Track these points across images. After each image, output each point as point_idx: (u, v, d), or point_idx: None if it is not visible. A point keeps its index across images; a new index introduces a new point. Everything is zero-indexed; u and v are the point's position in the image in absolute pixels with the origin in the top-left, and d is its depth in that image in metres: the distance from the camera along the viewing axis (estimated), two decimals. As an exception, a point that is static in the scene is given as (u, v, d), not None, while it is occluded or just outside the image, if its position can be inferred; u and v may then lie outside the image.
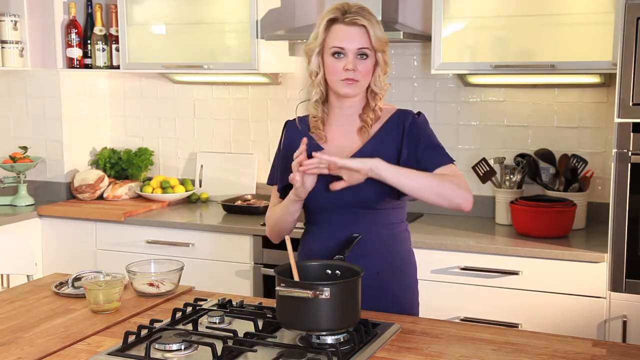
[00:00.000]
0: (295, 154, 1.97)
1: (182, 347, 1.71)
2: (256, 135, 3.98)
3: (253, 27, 3.50)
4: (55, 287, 2.26)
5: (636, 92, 2.70)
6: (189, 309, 1.99)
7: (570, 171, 3.26)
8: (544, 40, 3.10)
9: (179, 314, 1.95)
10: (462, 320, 2.96)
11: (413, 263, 2.21)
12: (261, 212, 3.43)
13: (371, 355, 1.72)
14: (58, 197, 3.99)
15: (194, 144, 4.14)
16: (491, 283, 2.96)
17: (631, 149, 2.72)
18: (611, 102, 3.18)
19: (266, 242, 3.28)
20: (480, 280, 2.98)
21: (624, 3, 2.70)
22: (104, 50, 3.94)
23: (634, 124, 2.72)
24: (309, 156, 1.99)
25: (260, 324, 1.85)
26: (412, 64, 3.63)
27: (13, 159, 3.85)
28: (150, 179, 4.04)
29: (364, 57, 2.05)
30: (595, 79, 3.24)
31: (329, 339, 1.74)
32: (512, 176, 3.35)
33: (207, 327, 1.87)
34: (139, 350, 1.72)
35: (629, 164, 2.73)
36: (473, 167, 3.32)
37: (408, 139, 2.08)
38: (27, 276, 2.88)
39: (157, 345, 1.72)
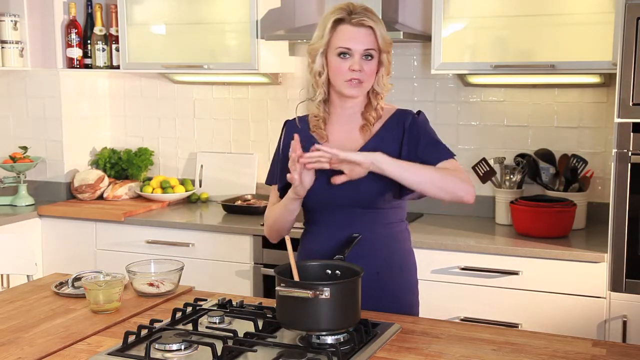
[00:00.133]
0: (290, 153, 1.97)
1: (182, 347, 1.71)
2: (256, 135, 3.98)
3: (253, 27, 3.50)
4: (55, 287, 2.26)
5: (636, 92, 2.70)
6: (189, 309, 1.99)
7: (570, 171, 3.26)
8: (544, 40, 3.10)
9: (179, 314, 1.95)
10: (462, 320, 2.96)
11: (413, 263, 2.21)
12: (261, 212, 3.43)
13: (371, 355, 1.72)
14: (58, 197, 3.99)
15: (194, 144, 4.14)
16: (491, 283, 2.96)
17: (631, 149, 2.72)
18: (611, 102, 3.18)
19: (266, 242, 3.28)
20: (480, 280, 2.98)
21: (624, 3, 2.70)
22: (104, 50, 3.94)
23: (634, 124, 2.72)
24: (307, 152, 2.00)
25: (260, 324, 1.85)
26: (412, 64, 3.63)
27: (13, 159, 3.85)
28: (150, 179, 4.04)
29: (370, 57, 2.05)
30: (595, 79, 3.24)
31: (329, 339, 1.74)
32: (512, 176, 3.35)
33: (207, 327, 1.87)
34: (139, 350, 1.72)
35: (629, 164, 2.73)
36: (473, 167, 3.32)
37: (408, 137, 2.08)
38: (27, 276, 2.88)
39: (157, 345, 1.72)
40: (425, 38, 3.42)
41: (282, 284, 1.73)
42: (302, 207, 2.16)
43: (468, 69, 3.26)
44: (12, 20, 3.87)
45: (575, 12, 3.07)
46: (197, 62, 3.67)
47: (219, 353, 1.66)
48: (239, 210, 3.63)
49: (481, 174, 3.30)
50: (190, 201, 3.97)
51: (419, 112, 2.15)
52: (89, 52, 3.99)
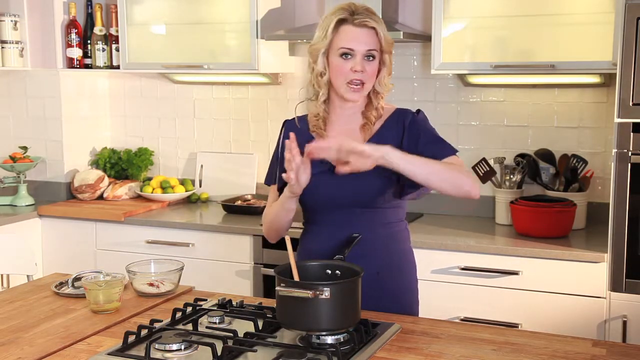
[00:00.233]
0: (285, 152, 1.96)
1: (182, 347, 1.71)
2: (256, 135, 3.98)
3: (253, 27, 3.50)
4: (55, 287, 2.26)
5: (636, 92, 2.70)
6: (189, 309, 1.99)
7: (570, 171, 3.26)
8: (544, 40, 3.10)
9: (179, 314, 1.95)
10: (462, 320, 2.96)
11: (412, 262, 2.21)
12: (261, 212, 3.40)
13: (371, 355, 1.72)
14: (58, 197, 3.99)
15: (194, 144, 4.14)
16: (491, 283, 2.96)
17: (631, 149, 2.72)
18: (611, 102, 3.18)
19: (266, 242, 3.28)
20: (480, 280, 2.98)
21: (624, 3, 2.70)
22: (104, 50, 3.95)
23: (634, 124, 2.72)
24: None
25: (260, 324, 1.85)
26: (412, 64, 3.63)
27: (13, 159, 3.85)
28: (150, 179, 4.04)
29: (371, 58, 2.05)
30: (595, 79, 3.24)
31: (329, 339, 1.74)
32: (512, 176, 3.35)
33: (207, 327, 1.87)
34: (139, 350, 1.72)
35: (629, 164, 2.73)
36: (473, 167, 3.32)
37: (409, 136, 2.08)
38: (27, 276, 2.88)
39: (157, 345, 1.72)
40: (425, 38, 3.42)
41: (282, 284, 1.73)
42: (301, 207, 2.16)
43: (468, 69, 3.26)
44: (12, 20, 3.87)
45: (575, 12, 3.07)
46: (197, 62, 3.67)
47: (219, 353, 1.66)
48: (239, 210, 3.64)
49: (481, 174, 3.30)
50: (190, 201, 3.97)
51: (419, 110, 2.15)
52: (89, 52, 3.99)
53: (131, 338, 1.78)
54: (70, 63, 3.98)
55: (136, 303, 2.13)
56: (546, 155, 3.35)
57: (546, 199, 3.18)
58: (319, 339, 1.74)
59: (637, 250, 2.75)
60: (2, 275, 3.35)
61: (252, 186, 3.94)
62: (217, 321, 1.89)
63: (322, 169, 2.08)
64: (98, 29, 3.94)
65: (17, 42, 3.90)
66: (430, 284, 3.00)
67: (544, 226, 3.05)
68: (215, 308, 2.00)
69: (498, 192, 3.37)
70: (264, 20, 3.52)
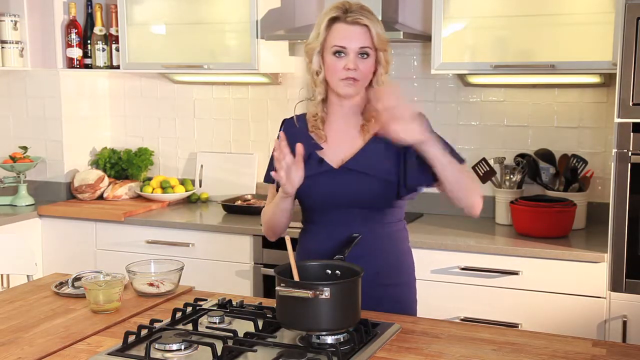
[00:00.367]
0: (274, 152, 1.95)
1: (182, 347, 1.71)
2: (256, 135, 3.98)
3: (253, 27, 3.50)
4: (55, 287, 2.26)
5: (636, 92, 2.70)
6: (189, 309, 1.99)
7: (570, 171, 3.26)
8: (544, 40, 3.10)
9: (179, 314, 1.95)
10: (462, 320, 2.96)
11: (411, 262, 2.21)
12: (261, 212, 3.43)
13: (371, 355, 1.72)
14: (58, 197, 3.99)
15: (194, 144, 4.14)
16: (491, 283, 2.96)
17: (631, 149, 2.72)
18: (611, 102, 3.18)
19: (266, 242, 3.28)
20: (480, 280, 2.98)
21: (624, 3, 2.70)
22: (104, 50, 3.95)
23: (634, 124, 2.72)
24: (306, 158, 2.00)
25: (260, 324, 1.85)
26: (412, 64, 3.63)
27: (13, 159, 3.85)
28: (150, 179, 4.04)
29: (365, 56, 2.04)
30: (595, 79, 3.24)
31: (329, 339, 1.74)
32: (512, 176, 3.35)
33: (207, 327, 1.87)
34: (139, 350, 1.72)
35: (629, 164, 2.73)
36: (473, 167, 3.31)
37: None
38: (27, 276, 2.88)
39: (157, 345, 1.72)
40: (425, 38, 3.42)
41: (282, 284, 1.73)
42: (300, 206, 2.16)
43: (468, 69, 3.26)
44: (12, 20, 3.87)
45: (575, 12, 3.07)
46: (197, 62, 3.67)
47: (219, 353, 1.66)
48: (239, 210, 3.63)
49: (481, 174, 3.30)
50: (190, 201, 3.97)
51: (421, 114, 2.12)
52: (89, 52, 3.99)
53: (131, 338, 1.78)
54: (70, 63, 3.98)
55: (136, 303, 2.13)
56: (546, 155, 3.35)
57: (546, 199, 3.18)
58: (319, 339, 1.74)
59: (637, 250, 2.75)
60: (2, 275, 3.35)
61: (252, 186, 3.94)
62: (217, 321, 1.89)
63: (320, 169, 2.08)
64: (98, 29, 3.94)
65: (17, 42, 3.90)
66: (430, 284, 3.00)
67: (544, 226, 3.05)
68: (215, 308, 2.00)
69: (498, 192, 3.37)
70: (264, 20, 3.52)
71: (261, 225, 2.24)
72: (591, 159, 3.31)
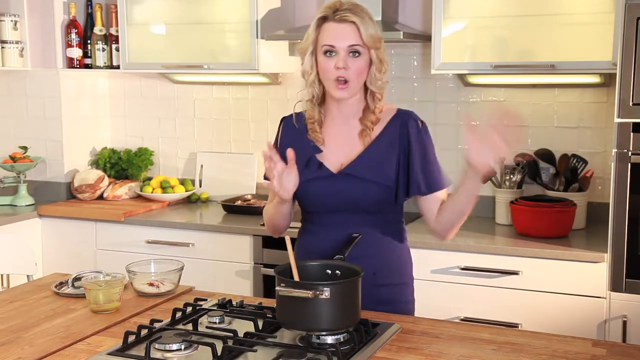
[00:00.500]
0: (265, 162, 1.95)
1: (182, 347, 1.71)
2: (256, 135, 3.98)
3: (253, 27, 3.50)
4: (55, 287, 2.26)
5: (636, 92, 2.70)
6: (189, 309, 1.99)
7: (570, 171, 3.26)
8: (544, 40, 3.10)
9: (179, 314, 1.95)
10: (462, 320, 2.96)
11: (409, 261, 2.20)
12: (261, 212, 3.40)
13: (371, 355, 1.72)
14: (58, 197, 3.99)
15: (194, 144, 4.14)
16: (491, 283, 2.96)
17: (631, 149, 2.72)
18: (611, 102, 3.18)
19: (266, 242, 3.28)
20: (480, 280, 2.98)
21: (624, 3, 2.70)
22: (104, 50, 3.95)
23: (634, 124, 2.72)
24: (306, 162, 2.01)
25: (260, 324, 1.85)
26: (412, 64, 3.63)
27: (13, 159, 3.85)
28: (150, 179, 4.04)
29: (356, 54, 2.00)
30: (595, 79, 3.24)
31: (329, 339, 1.74)
32: (512, 176, 3.35)
33: (207, 327, 1.87)
34: (139, 350, 1.72)
35: (629, 164, 2.73)
36: (473, 167, 3.31)
37: (417, 149, 2.06)
38: (27, 276, 2.88)
39: (157, 345, 1.72)
40: (425, 38, 3.42)
41: (282, 284, 1.73)
42: (299, 206, 2.16)
43: (468, 69, 3.26)
44: (12, 20, 3.87)
45: (575, 12, 3.07)
46: (197, 62, 3.67)
47: (219, 353, 1.66)
48: (239, 210, 3.63)
49: (481, 174, 3.29)
50: (190, 201, 3.97)
51: (422, 122, 2.11)
52: (89, 52, 3.99)
53: (131, 338, 1.77)
54: (70, 63, 3.98)
55: (136, 303, 2.13)
56: (546, 155, 3.35)
57: (546, 199, 3.18)
58: (319, 339, 1.74)
59: (637, 250, 2.75)
60: (2, 275, 3.35)
61: (252, 186, 3.94)
62: (217, 321, 1.89)
63: (319, 174, 2.07)
64: (98, 29, 3.94)
65: (17, 42, 3.90)
66: (430, 284, 3.00)
67: (544, 226, 3.05)
68: (215, 308, 2.00)
69: (498, 192, 3.37)
70: (264, 20, 3.52)
71: (261, 225, 2.25)
72: (591, 159, 3.31)
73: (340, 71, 1.99)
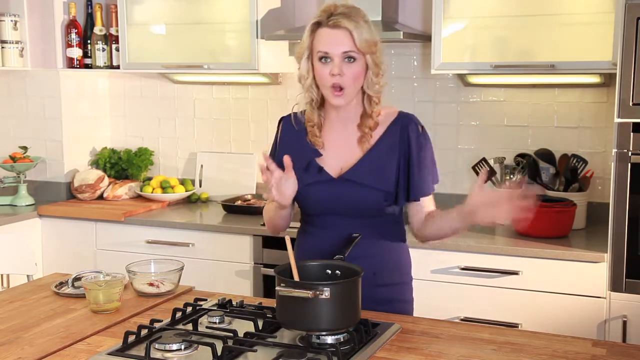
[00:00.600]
0: (262, 176, 1.95)
1: (182, 347, 1.71)
2: (256, 135, 3.98)
3: (253, 27, 3.50)
4: (55, 287, 2.26)
5: (636, 92, 2.70)
6: (189, 309, 1.99)
7: (570, 171, 3.26)
8: (544, 40, 3.10)
9: (179, 314, 1.95)
10: (462, 320, 2.96)
11: (408, 262, 2.20)
12: (261, 212, 3.41)
13: (371, 355, 1.72)
14: (58, 197, 3.99)
15: (194, 144, 4.14)
16: (491, 283, 2.96)
17: (631, 149, 2.72)
18: (611, 102, 3.18)
19: (266, 242, 3.28)
20: (480, 280, 2.98)
21: (624, 3, 2.70)
22: (104, 50, 3.95)
23: (634, 124, 2.72)
24: (306, 166, 2.02)
25: (260, 324, 1.85)
26: (412, 64, 3.63)
27: (13, 159, 3.85)
28: (150, 179, 4.04)
29: (351, 60, 1.97)
30: (595, 79, 3.24)
31: (329, 339, 1.74)
32: (512, 176, 3.35)
33: (207, 327, 1.87)
34: (139, 350, 1.72)
35: (629, 164, 2.73)
36: (473, 167, 3.32)
37: (417, 154, 2.06)
38: (27, 276, 2.88)
39: (157, 345, 1.72)
40: (425, 38, 3.42)
41: (282, 284, 1.73)
42: (299, 208, 2.16)
43: (468, 69, 3.26)
44: (12, 20, 3.87)
45: (575, 12, 3.07)
46: (197, 62, 3.67)
47: (219, 353, 1.66)
48: (239, 210, 3.63)
49: (481, 174, 3.29)
50: (190, 201, 3.97)
51: (422, 127, 2.10)
52: (89, 52, 3.99)
53: (131, 338, 1.78)
54: (70, 63, 3.98)
55: (136, 303, 2.13)
56: (546, 155, 3.35)
57: (546, 199, 3.18)
58: (319, 339, 1.74)
59: (637, 250, 2.75)
60: (2, 275, 3.35)
61: (252, 186, 3.94)
62: (217, 321, 1.89)
63: (319, 178, 2.07)
64: (98, 29, 3.94)
65: (17, 42, 3.90)
66: (430, 283, 3.00)
67: (544, 226, 3.04)
68: (215, 308, 2.00)
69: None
70: (264, 20, 3.52)
71: (262, 225, 2.25)
72: (591, 159, 3.31)
73: (336, 78, 1.97)
